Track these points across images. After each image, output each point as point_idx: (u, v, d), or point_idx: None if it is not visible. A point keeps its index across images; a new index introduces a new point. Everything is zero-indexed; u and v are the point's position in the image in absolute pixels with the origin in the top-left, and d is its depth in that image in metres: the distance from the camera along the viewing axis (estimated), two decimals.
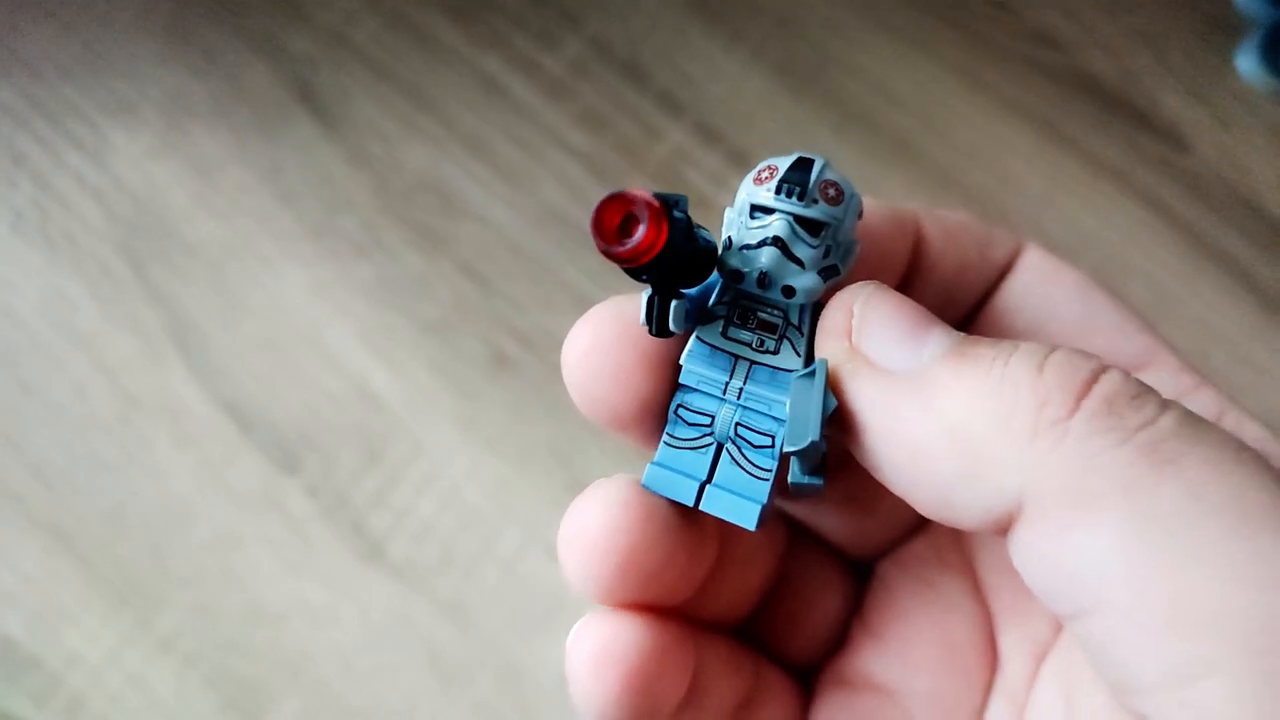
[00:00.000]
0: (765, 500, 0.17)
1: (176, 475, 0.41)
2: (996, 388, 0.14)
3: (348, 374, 0.42)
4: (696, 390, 0.18)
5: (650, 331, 0.17)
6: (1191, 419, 0.14)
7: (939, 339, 0.15)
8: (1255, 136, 0.45)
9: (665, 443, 0.18)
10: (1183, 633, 0.12)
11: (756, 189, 0.17)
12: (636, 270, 0.15)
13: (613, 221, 0.15)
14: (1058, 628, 0.19)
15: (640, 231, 0.15)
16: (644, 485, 0.18)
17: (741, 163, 0.44)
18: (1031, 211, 0.44)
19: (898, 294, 0.16)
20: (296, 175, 0.44)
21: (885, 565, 0.22)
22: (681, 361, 0.18)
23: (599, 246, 0.15)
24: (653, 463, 0.18)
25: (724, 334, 0.17)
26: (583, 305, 0.42)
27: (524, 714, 0.38)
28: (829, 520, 0.22)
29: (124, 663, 0.39)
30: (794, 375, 0.17)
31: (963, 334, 0.16)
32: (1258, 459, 0.13)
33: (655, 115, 0.45)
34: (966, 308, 0.21)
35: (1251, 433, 0.18)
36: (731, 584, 0.20)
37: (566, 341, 0.18)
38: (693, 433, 0.18)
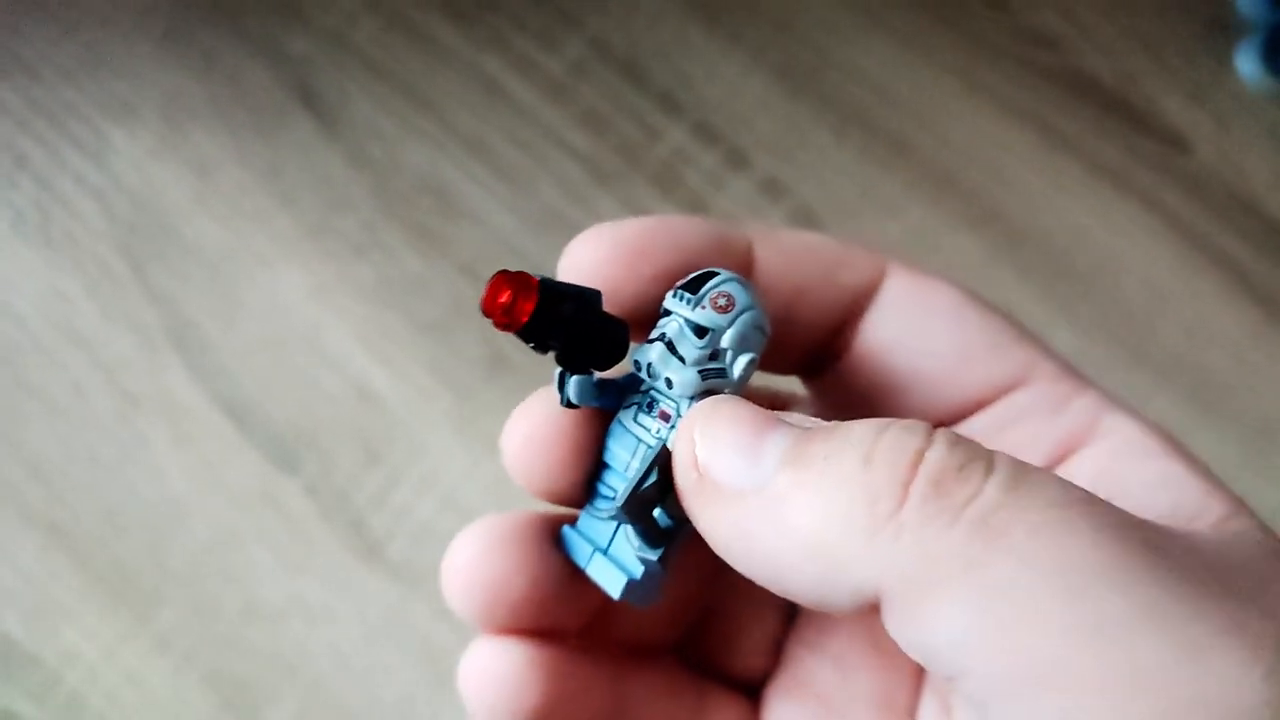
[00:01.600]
0: (635, 575, 0.18)
1: (174, 474, 0.41)
2: (833, 491, 0.15)
3: (346, 374, 0.42)
4: (611, 467, 0.19)
5: (560, 401, 0.19)
6: (1017, 480, 0.14)
7: (775, 444, 0.16)
8: (1254, 138, 0.45)
9: (584, 510, 0.20)
10: (1035, 689, 0.13)
11: (669, 294, 0.19)
12: (523, 336, 0.18)
13: (497, 295, 0.17)
14: None
15: (506, 298, 0.17)
16: (557, 543, 0.20)
17: (740, 163, 0.44)
18: (1029, 212, 0.44)
19: (734, 403, 0.17)
20: (296, 176, 0.44)
21: None
22: (606, 440, 0.20)
23: (485, 314, 0.17)
24: (569, 526, 0.20)
25: (634, 419, 0.19)
26: None
27: None
28: None
29: (122, 660, 0.39)
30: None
31: (800, 428, 0.16)
32: (1086, 510, 0.14)
33: (655, 116, 0.45)
34: (817, 335, 0.21)
35: (1129, 432, 0.19)
36: (648, 611, 0.20)
37: (505, 432, 0.19)
38: (604, 504, 0.19)
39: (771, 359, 0.21)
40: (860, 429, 0.16)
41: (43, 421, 0.42)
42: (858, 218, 0.44)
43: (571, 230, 0.46)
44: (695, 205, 0.44)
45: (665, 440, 0.18)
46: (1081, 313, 0.43)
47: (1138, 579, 0.13)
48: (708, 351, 0.18)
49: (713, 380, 0.18)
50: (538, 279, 0.17)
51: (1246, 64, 0.45)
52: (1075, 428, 0.19)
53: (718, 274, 0.18)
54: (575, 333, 0.18)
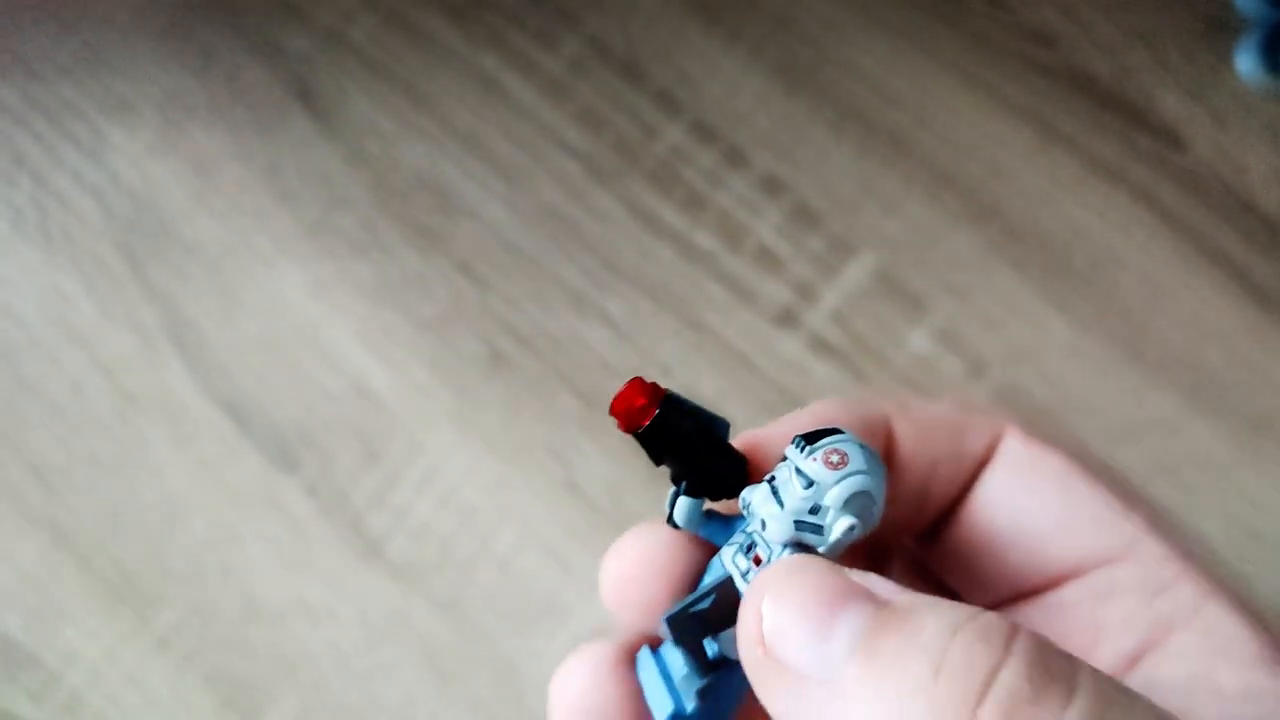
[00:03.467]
0: (684, 709, 0.18)
1: (174, 473, 0.41)
2: (897, 700, 0.14)
3: (345, 372, 0.42)
4: None
5: (666, 519, 0.19)
6: (1100, 713, 0.13)
7: (849, 626, 0.15)
8: (1252, 135, 0.45)
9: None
10: None
11: (790, 443, 0.19)
12: (641, 441, 0.18)
13: (628, 398, 0.18)
14: None
15: (631, 399, 0.18)
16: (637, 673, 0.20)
17: (738, 161, 0.44)
18: (1027, 209, 0.44)
19: (814, 568, 0.16)
20: (294, 174, 0.44)
21: None
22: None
23: (611, 413, 0.18)
24: (650, 649, 0.20)
25: (732, 558, 0.19)
26: (579, 304, 0.43)
27: (521, 712, 0.38)
28: None
29: (122, 661, 0.39)
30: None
31: (878, 605, 0.15)
32: None
33: (653, 114, 0.45)
34: (942, 504, 0.21)
35: (1227, 628, 0.18)
36: None
37: (605, 563, 0.20)
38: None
39: (904, 527, 0.21)
40: (932, 629, 0.14)
41: (41, 420, 0.41)
42: (856, 214, 0.44)
43: (570, 227, 0.46)
44: (694, 203, 0.44)
45: (735, 573, 0.18)
46: (1078, 308, 0.43)
47: None
48: (809, 504, 0.18)
49: (806, 533, 0.18)
50: (666, 391, 0.18)
51: (1245, 62, 0.45)
52: (1173, 613, 0.19)
53: (840, 432, 0.18)
54: (690, 451, 0.18)
